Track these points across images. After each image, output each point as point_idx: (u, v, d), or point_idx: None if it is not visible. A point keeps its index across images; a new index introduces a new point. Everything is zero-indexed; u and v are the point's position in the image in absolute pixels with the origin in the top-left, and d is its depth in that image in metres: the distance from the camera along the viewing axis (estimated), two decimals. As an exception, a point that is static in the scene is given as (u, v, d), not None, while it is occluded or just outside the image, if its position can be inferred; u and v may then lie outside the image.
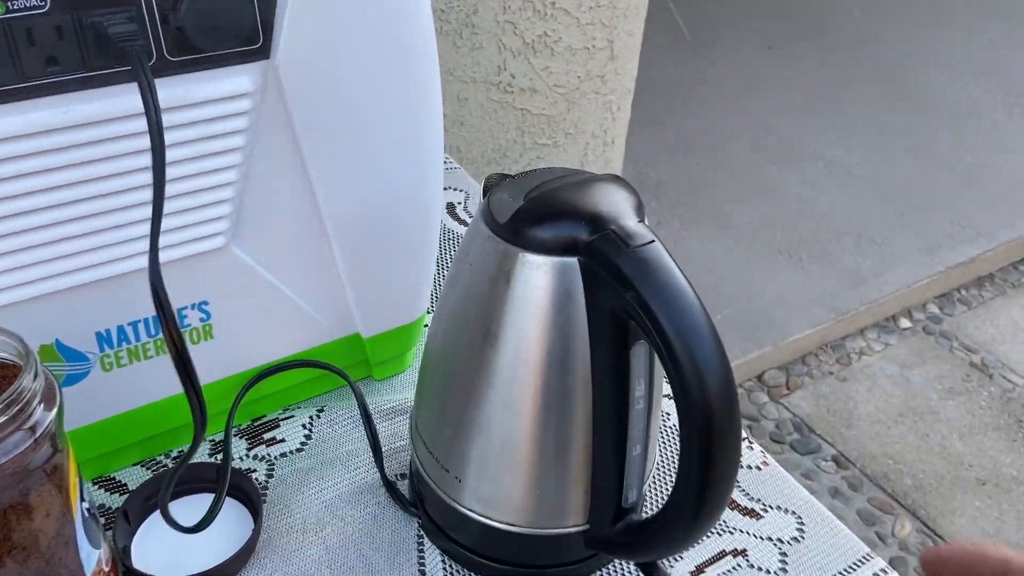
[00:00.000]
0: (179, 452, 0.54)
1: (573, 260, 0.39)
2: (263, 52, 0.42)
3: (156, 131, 0.35)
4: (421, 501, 0.50)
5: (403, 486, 0.52)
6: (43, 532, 0.38)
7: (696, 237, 2.17)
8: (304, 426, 0.56)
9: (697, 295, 0.37)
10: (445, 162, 0.87)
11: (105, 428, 0.49)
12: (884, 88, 2.97)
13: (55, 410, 0.38)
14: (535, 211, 0.40)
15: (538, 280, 0.39)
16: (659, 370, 0.42)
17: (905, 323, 2.03)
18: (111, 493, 0.51)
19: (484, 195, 0.43)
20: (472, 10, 0.90)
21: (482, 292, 0.41)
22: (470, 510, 0.45)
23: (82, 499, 0.41)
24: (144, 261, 0.44)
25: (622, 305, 0.37)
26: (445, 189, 0.80)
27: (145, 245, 0.43)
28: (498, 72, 0.96)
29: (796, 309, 1.95)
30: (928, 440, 1.72)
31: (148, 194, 0.42)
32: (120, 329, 0.46)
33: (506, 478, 0.44)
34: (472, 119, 0.97)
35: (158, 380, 0.49)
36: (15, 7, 0.35)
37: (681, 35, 2.70)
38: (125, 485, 0.52)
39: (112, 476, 0.52)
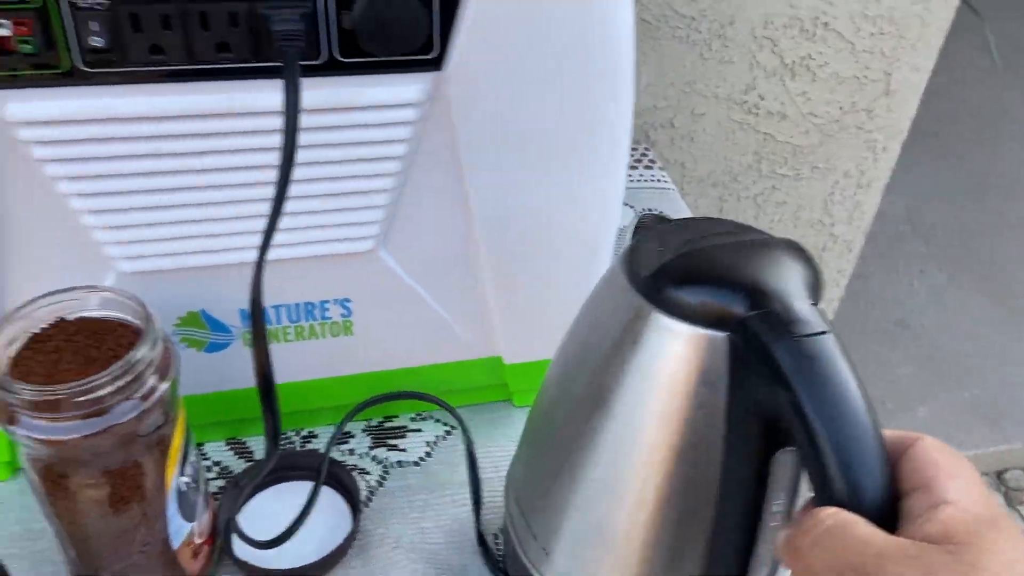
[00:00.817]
0: (308, 432, 0.55)
1: (721, 336, 0.32)
2: (436, 63, 0.39)
3: (291, 133, 0.33)
4: (506, 561, 0.46)
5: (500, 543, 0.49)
6: (141, 498, 0.40)
7: (961, 295, 1.90)
8: (428, 443, 0.54)
9: (872, 410, 0.30)
10: (660, 180, 0.81)
11: (240, 397, 0.50)
12: None
13: (170, 381, 0.39)
14: (685, 268, 0.34)
15: (673, 350, 0.33)
16: (807, 487, 0.35)
17: None
18: (239, 457, 0.53)
19: (633, 236, 0.38)
20: (728, 20, 0.82)
21: (603, 351, 0.36)
22: (551, 588, 0.41)
23: (182, 473, 0.41)
24: (291, 251, 0.44)
25: (773, 402, 0.31)
26: (646, 211, 0.74)
27: (291, 237, 0.43)
28: (745, 91, 0.87)
29: (1065, 408, 1.64)
30: None
31: (304, 188, 0.42)
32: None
33: (597, 565, 0.39)
34: (705, 136, 0.90)
35: (293, 363, 0.49)
36: (198, -9, 0.35)
37: (988, 59, 2.35)
38: (252, 452, 0.53)
39: (243, 441, 0.54)
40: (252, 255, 0.44)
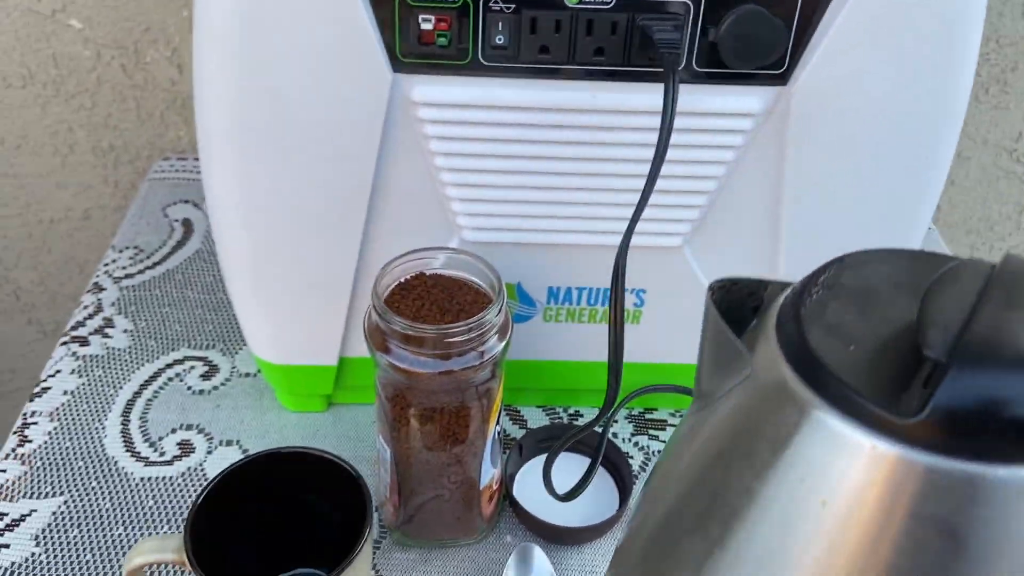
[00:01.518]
0: (575, 411, 0.59)
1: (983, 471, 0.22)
2: (782, 78, 0.42)
3: (666, 134, 0.37)
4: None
5: None
6: (465, 437, 0.45)
7: None
8: (689, 434, 0.57)
9: None
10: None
11: (527, 368, 0.55)
12: None
13: (504, 344, 0.44)
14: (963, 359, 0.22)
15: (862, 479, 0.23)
16: None
17: None
18: (513, 423, 0.58)
19: (758, 310, 0.30)
20: (1011, 66, 0.80)
21: (727, 459, 0.27)
22: None
23: (497, 423, 0.47)
24: (609, 239, 0.48)
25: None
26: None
27: (616, 226, 0.48)
28: (1017, 139, 0.84)
29: None
30: None
31: (633, 183, 0.46)
32: (568, 290, 0.51)
33: None
34: (967, 181, 0.87)
35: (581, 344, 0.54)
36: (586, 1, 0.40)
37: None
38: (525, 420, 0.58)
39: (517, 409, 0.59)
40: (578, 239, 0.49)
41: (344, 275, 0.49)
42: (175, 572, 0.48)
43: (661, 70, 0.42)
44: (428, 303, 0.44)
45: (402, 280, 0.45)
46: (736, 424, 0.27)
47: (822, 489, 0.24)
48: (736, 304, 0.31)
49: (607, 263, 0.50)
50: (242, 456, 0.54)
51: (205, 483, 0.52)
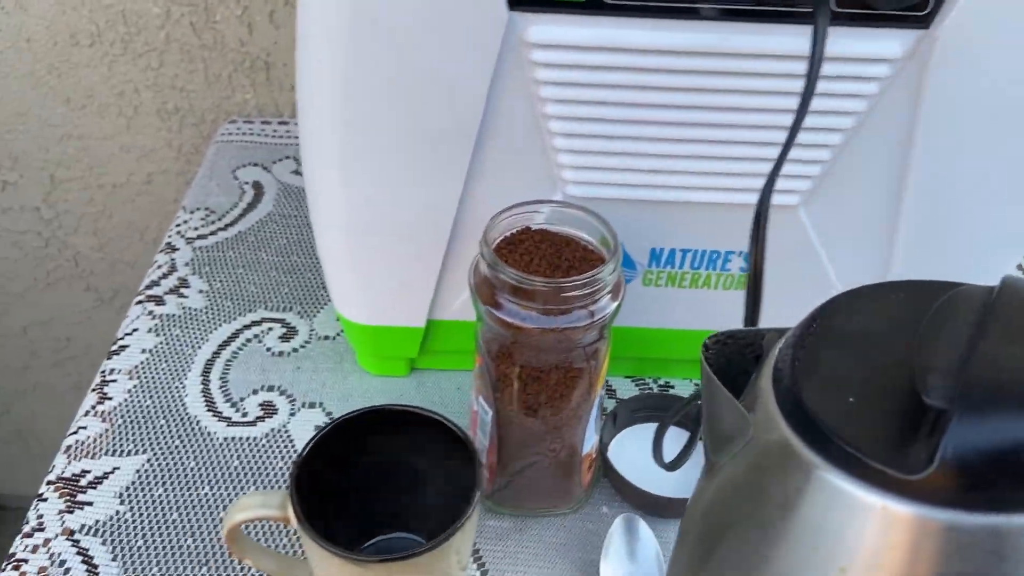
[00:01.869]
0: (664, 382, 0.57)
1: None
2: (925, 20, 0.39)
3: (813, 79, 0.35)
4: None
5: None
6: (570, 400, 0.43)
7: None
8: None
9: None
10: None
11: (619, 334, 0.53)
12: None
13: (615, 305, 0.42)
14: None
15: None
16: None
17: None
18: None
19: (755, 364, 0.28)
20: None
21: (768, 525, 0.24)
22: None
23: (602, 389, 0.44)
24: (721, 196, 0.46)
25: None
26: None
27: (730, 182, 0.45)
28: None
29: None
30: None
31: (756, 134, 0.43)
32: (671, 252, 0.49)
33: None
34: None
35: (679, 310, 0.51)
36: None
37: None
38: (615, 390, 0.56)
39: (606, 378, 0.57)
40: (688, 195, 0.46)
41: (441, 229, 0.47)
42: (272, 528, 0.46)
43: (799, 10, 0.39)
44: (537, 258, 0.42)
45: (507, 234, 0.43)
46: (744, 488, 0.26)
47: (839, 556, 0.22)
48: (736, 357, 0.29)
49: (716, 223, 0.48)
50: (326, 419, 0.52)
51: (296, 443, 0.50)
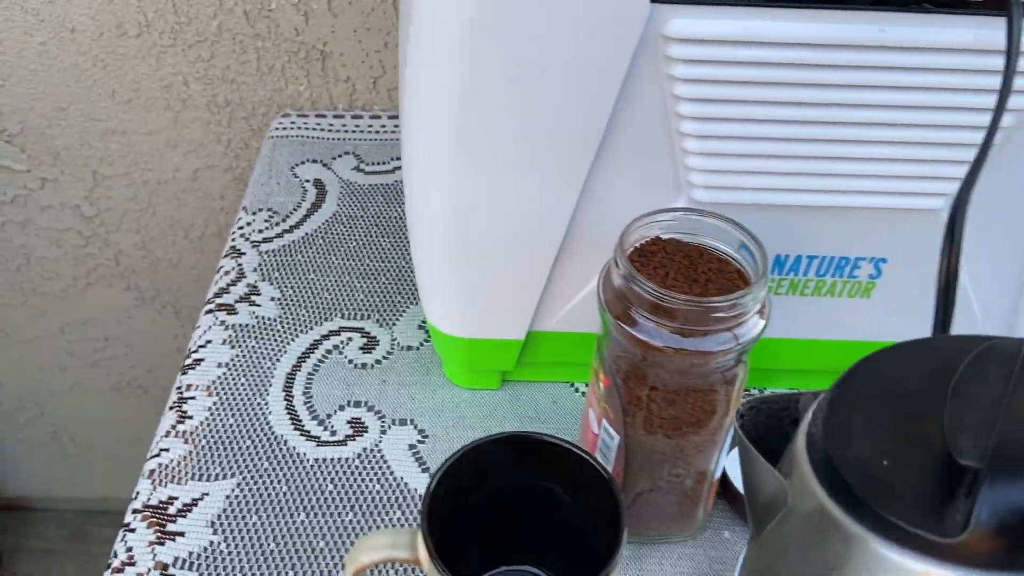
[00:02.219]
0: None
1: None
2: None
3: (1010, 74, 0.31)
4: None
5: None
6: (706, 426, 0.40)
7: None
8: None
9: None
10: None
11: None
12: None
13: (761, 326, 0.38)
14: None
15: None
16: None
17: None
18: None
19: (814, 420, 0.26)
20: None
21: None
22: None
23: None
24: (854, 200, 0.43)
25: None
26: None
27: (868, 185, 0.42)
28: None
29: None
30: None
31: (906, 133, 0.40)
32: (797, 259, 0.46)
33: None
34: None
35: (797, 320, 0.48)
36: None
37: None
38: (718, 403, 0.53)
39: (709, 389, 0.54)
40: (821, 199, 0.43)
41: (552, 238, 0.44)
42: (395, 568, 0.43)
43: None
44: (672, 271, 0.39)
45: (638, 244, 0.39)
46: (786, 555, 0.26)
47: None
48: (773, 422, 0.29)
49: (848, 227, 0.44)
50: (419, 438, 0.49)
51: (391, 463, 0.47)
